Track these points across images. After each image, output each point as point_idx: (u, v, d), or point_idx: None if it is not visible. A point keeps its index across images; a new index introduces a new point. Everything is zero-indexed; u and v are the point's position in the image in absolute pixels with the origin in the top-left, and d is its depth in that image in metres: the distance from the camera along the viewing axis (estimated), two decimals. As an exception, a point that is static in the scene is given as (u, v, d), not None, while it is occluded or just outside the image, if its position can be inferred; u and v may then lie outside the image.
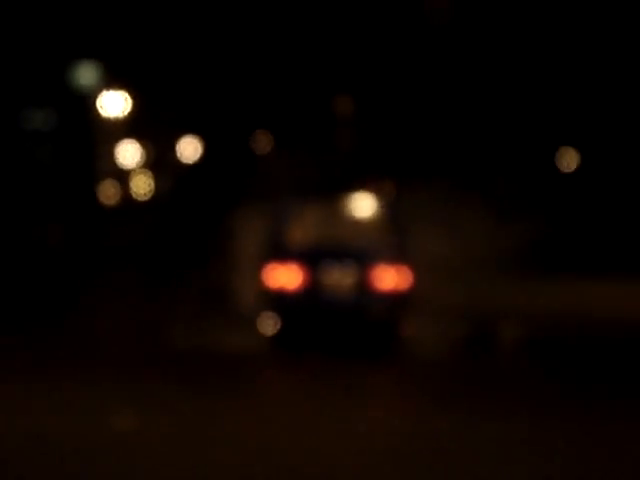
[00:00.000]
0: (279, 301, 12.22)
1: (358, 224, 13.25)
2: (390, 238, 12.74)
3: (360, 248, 12.64)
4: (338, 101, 34.16)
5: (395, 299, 12.28)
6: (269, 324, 12.27)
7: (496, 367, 12.16)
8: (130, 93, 46.02)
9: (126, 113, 53.23)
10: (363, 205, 13.52)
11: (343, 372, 10.57)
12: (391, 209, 13.89)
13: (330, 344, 12.07)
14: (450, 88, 28.93)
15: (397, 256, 12.51)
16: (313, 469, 5.90)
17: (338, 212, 13.32)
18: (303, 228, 12.70)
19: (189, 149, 51.24)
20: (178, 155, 58.04)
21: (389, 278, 12.24)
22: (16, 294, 20.28)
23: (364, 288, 12.16)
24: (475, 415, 8.06)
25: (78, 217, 43.65)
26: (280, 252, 12.26)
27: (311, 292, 12.21)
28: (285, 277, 12.04)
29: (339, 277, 12.07)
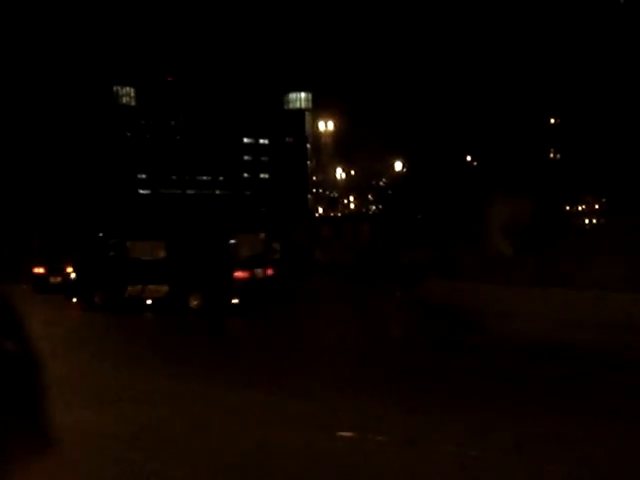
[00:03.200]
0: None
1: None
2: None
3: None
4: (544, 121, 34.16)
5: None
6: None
7: None
8: (338, 117, 47.55)
9: (334, 135, 54.47)
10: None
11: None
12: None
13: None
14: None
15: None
16: None
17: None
18: None
19: (395, 169, 52.17)
20: (383, 175, 58.77)
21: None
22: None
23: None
24: None
25: (294, 227, 45.53)
26: None
27: None
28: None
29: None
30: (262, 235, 23.65)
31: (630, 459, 7.14)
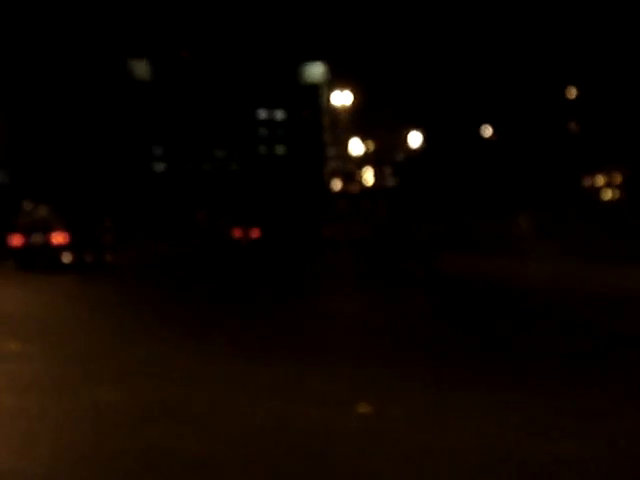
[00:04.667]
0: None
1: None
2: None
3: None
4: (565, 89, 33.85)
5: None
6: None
7: None
8: (355, 90, 47.27)
9: (350, 108, 54.24)
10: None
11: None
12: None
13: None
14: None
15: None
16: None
17: None
18: None
19: (413, 142, 51.90)
20: (402, 147, 58.49)
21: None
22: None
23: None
24: None
25: (311, 201, 45.45)
26: None
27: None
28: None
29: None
30: None
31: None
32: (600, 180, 44.17)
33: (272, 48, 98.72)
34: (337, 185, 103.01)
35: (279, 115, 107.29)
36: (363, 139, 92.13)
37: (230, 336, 12.77)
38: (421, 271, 24.37)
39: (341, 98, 71.57)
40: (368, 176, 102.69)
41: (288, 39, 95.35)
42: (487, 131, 39.80)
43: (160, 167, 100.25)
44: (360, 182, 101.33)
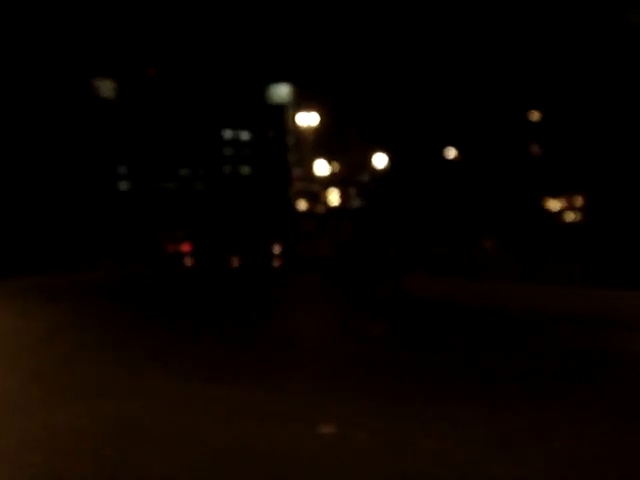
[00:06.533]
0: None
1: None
2: None
3: None
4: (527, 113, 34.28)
5: None
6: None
7: None
8: (320, 111, 47.47)
9: (316, 129, 54.43)
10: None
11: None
12: None
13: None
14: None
15: None
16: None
17: None
18: None
19: (378, 163, 52.16)
20: (368, 168, 58.69)
21: None
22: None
23: None
24: None
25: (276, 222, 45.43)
26: None
27: None
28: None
29: None
30: None
31: (619, 453, 7.08)
32: (563, 203, 44.66)
33: (238, 68, 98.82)
34: (302, 205, 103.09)
35: (244, 135, 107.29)
36: (328, 160, 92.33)
37: (194, 357, 12.66)
38: (386, 292, 24.39)
39: (307, 119, 71.74)
40: (333, 197, 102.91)
41: (254, 60, 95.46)
42: (451, 153, 40.21)
43: (124, 186, 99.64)
44: (325, 203, 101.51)
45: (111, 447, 7.16)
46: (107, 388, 9.89)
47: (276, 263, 38.48)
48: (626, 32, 27.22)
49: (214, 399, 9.30)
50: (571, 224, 36.96)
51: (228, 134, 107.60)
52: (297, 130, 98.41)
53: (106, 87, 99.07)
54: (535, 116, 37.38)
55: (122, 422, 8.09)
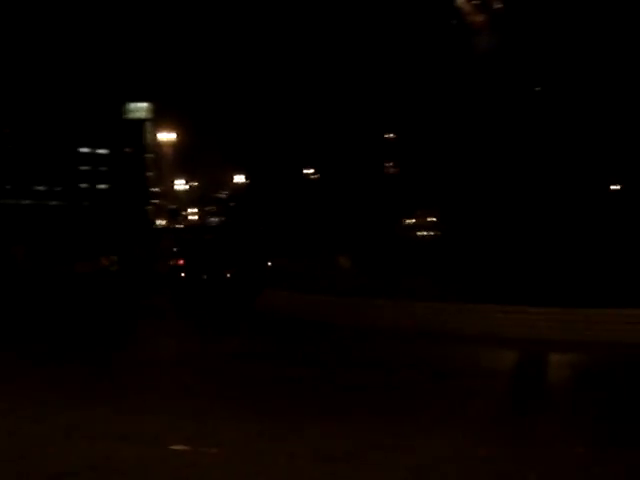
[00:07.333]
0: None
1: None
2: None
3: None
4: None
5: None
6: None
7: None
8: (179, 129, 47.35)
9: (176, 147, 54.15)
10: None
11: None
12: None
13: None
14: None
15: None
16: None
17: None
18: None
19: (236, 182, 52.38)
20: (226, 187, 58.74)
21: None
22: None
23: None
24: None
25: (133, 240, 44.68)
26: None
27: None
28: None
29: None
30: None
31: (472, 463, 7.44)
32: (416, 220, 45.96)
33: (96, 85, 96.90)
34: (162, 222, 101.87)
35: (102, 152, 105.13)
36: (187, 178, 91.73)
37: (48, 381, 12.39)
38: (241, 309, 24.43)
39: (166, 137, 71.20)
40: (192, 214, 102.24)
41: (113, 77, 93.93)
42: (309, 172, 40.70)
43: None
44: (185, 219, 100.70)
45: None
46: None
47: (132, 280, 37.84)
48: (472, 59, 28.42)
49: (67, 420, 9.22)
50: (423, 241, 38.08)
51: (85, 150, 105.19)
52: (156, 147, 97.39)
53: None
54: (390, 138, 38.43)
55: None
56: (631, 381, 12.13)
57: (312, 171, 41.18)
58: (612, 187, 34.18)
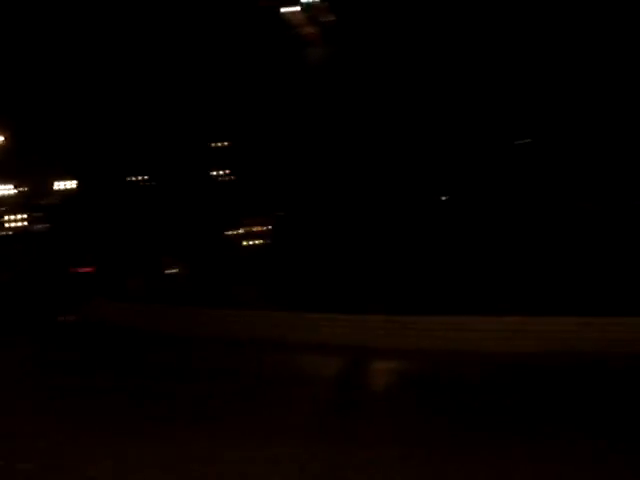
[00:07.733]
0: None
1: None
2: None
3: None
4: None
5: None
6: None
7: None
8: (3, 132, 45.46)
9: (1, 151, 51.98)
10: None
11: None
12: None
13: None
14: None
15: None
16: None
17: None
18: None
19: (63, 188, 50.83)
20: (50, 192, 57.05)
21: None
22: None
23: None
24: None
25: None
26: None
27: None
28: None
29: None
30: None
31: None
32: (244, 229, 45.83)
33: None
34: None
35: None
36: (13, 183, 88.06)
37: None
38: (71, 319, 23.84)
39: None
40: (17, 220, 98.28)
41: None
42: (143, 179, 39.97)
43: None
44: (9, 226, 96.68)
45: None
46: None
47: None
48: (304, 69, 28.91)
49: None
50: (252, 251, 38.14)
51: None
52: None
53: None
54: (222, 146, 38.38)
55: None
56: (444, 387, 12.59)
57: (147, 178, 40.58)
58: (442, 198, 35.40)
